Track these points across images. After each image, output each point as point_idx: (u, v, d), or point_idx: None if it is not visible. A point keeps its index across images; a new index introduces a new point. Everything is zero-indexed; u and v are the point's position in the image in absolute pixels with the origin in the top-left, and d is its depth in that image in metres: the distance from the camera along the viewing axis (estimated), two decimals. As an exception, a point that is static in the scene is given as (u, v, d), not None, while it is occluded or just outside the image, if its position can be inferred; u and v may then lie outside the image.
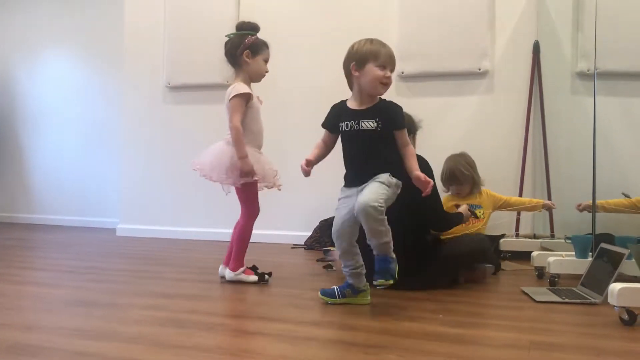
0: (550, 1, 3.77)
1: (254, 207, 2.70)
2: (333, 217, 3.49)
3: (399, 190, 2.19)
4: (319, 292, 2.30)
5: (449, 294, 2.46)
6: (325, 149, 2.35)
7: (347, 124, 2.22)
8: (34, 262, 3.37)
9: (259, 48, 2.67)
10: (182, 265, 3.11)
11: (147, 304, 2.20)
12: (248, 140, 2.60)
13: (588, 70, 3.58)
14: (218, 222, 4.23)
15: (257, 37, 2.70)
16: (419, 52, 3.95)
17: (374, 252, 2.16)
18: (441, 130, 3.86)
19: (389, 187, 2.12)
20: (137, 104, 4.75)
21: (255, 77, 2.71)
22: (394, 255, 2.16)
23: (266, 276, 2.66)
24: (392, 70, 2.22)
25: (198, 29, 4.46)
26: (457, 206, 3.09)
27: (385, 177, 2.13)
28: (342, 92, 2.30)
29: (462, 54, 3.86)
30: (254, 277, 2.65)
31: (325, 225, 3.90)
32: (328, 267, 3.15)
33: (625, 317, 1.94)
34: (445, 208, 3.24)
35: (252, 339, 1.76)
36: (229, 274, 2.67)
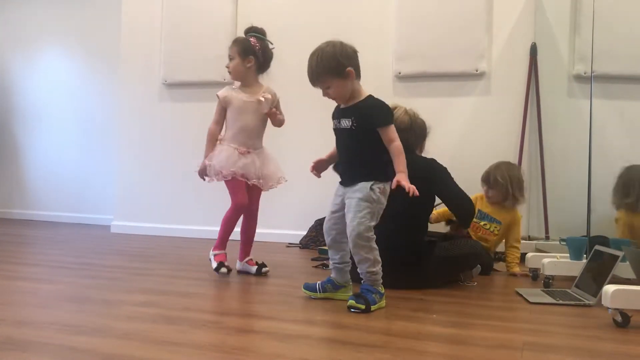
0: (547, 3, 3.78)
1: (236, 199, 2.75)
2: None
3: (386, 194, 2.19)
4: (302, 286, 2.33)
5: (443, 294, 2.46)
6: (330, 158, 2.41)
7: (334, 122, 2.28)
8: (27, 258, 3.36)
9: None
10: (176, 262, 3.10)
11: (140, 300, 2.19)
12: (227, 139, 2.77)
13: (585, 73, 3.58)
14: (212, 219, 4.20)
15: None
16: (416, 52, 3.94)
17: (362, 279, 2.19)
18: (438, 131, 3.81)
19: (370, 203, 2.13)
20: (134, 101, 4.73)
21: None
22: (380, 289, 2.16)
23: (222, 269, 2.69)
24: (320, 87, 2.24)
25: (195, 26, 4.44)
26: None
27: (365, 190, 2.14)
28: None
29: (459, 55, 3.86)
30: (215, 265, 2.71)
31: (321, 225, 3.88)
32: (323, 265, 3.14)
33: (619, 319, 1.94)
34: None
35: (245, 336, 1.75)
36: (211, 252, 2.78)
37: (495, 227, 3.16)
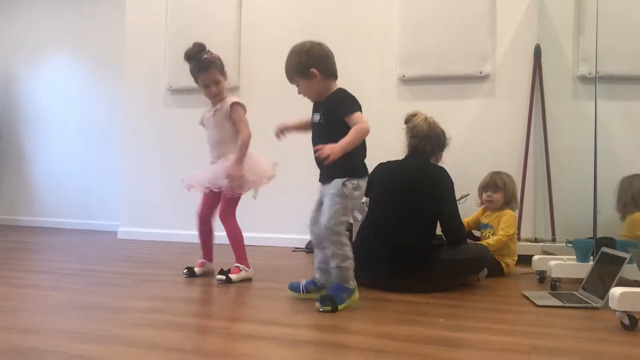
0: (551, 5, 3.77)
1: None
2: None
3: (360, 190, 2.25)
4: (288, 286, 2.42)
5: (450, 298, 2.45)
6: (297, 125, 2.48)
7: (311, 118, 2.37)
8: (34, 265, 3.37)
9: (194, 77, 2.87)
10: (182, 268, 3.10)
11: (147, 307, 2.20)
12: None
13: (589, 74, 3.58)
14: (219, 225, 4.24)
15: (193, 66, 2.85)
16: (420, 55, 3.95)
17: (332, 277, 2.24)
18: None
19: (341, 198, 2.19)
20: (139, 107, 4.75)
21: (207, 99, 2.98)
22: (350, 285, 2.20)
23: (185, 271, 2.91)
24: (297, 85, 2.31)
25: (199, 32, 4.43)
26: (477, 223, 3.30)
27: (337, 187, 2.21)
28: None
29: (463, 57, 3.86)
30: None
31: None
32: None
33: (627, 321, 1.93)
34: (471, 220, 3.35)
35: (251, 342, 1.75)
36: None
37: (489, 232, 3.22)
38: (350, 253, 2.20)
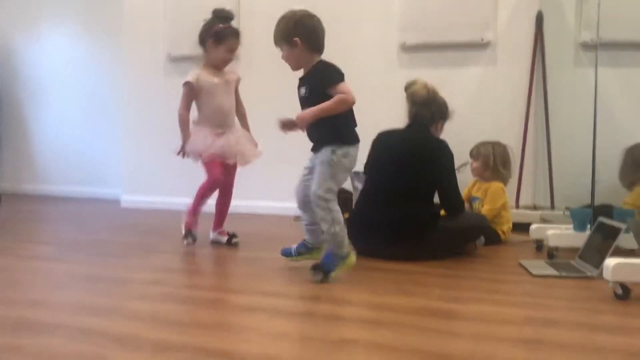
0: (554, -30, 3.71)
1: (213, 175, 2.86)
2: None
3: (350, 158, 2.25)
4: (280, 252, 2.49)
5: (446, 267, 2.49)
6: None
7: (298, 93, 2.37)
8: (39, 236, 3.42)
9: (224, 37, 2.85)
10: (180, 236, 3.15)
11: (149, 279, 2.24)
12: (202, 122, 2.90)
13: (591, 41, 3.54)
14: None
15: (227, 26, 2.86)
16: (421, 23, 3.90)
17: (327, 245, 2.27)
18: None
19: (331, 165, 2.21)
20: (138, 75, 4.73)
21: (217, 64, 2.92)
22: (344, 251, 2.22)
23: (188, 240, 2.94)
24: (281, 49, 2.32)
25: (198, 1, 4.40)
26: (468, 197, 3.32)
27: (327, 155, 2.23)
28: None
29: (464, 24, 3.82)
30: (182, 229, 2.96)
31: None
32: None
33: (620, 292, 1.96)
34: (464, 194, 3.34)
35: (252, 314, 1.79)
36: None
37: (478, 204, 3.26)
38: (340, 217, 2.21)
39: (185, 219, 2.94)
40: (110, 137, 5.32)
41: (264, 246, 2.99)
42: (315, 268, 2.20)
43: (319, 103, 2.20)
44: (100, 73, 5.45)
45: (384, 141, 2.82)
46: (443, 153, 2.71)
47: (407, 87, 2.86)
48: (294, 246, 2.48)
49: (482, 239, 2.95)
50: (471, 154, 3.33)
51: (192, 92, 2.87)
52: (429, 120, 2.81)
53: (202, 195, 2.90)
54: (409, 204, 2.62)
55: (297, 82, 2.35)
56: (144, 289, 2.07)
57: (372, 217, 2.67)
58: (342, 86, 2.20)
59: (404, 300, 1.95)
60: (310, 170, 2.34)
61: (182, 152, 2.86)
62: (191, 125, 2.90)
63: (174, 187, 4.59)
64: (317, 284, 2.15)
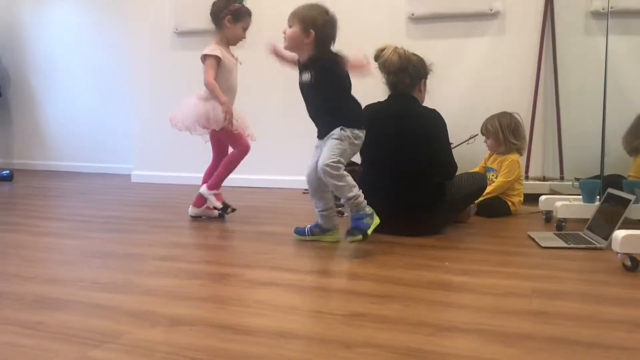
0: None
1: (244, 143, 2.94)
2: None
3: (359, 140, 2.32)
4: (293, 231, 2.54)
5: (456, 240, 2.52)
6: (287, 61, 2.52)
7: (299, 78, 2.39)
8: (51, 212, 3.47)
9: (241, 16, 2.91)
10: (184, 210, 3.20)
11: (162, 254, 2.27)
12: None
13: (603, 9, 3.49)
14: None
15: (243, 5, 2.92)
16: (429, -7, 3.86)
17: (348, 210, 2.33)
18: (452, 72, 3.81)
19: (341, 140, 2.26)
20: (145, 51, 4.72)
21: (232, 41, 2.97)
22: (367, 210, 2.27)
23: (229, 210, 2.99)
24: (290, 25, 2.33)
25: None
26: (484, 168, 3.34)
27: (337, 132, 2.28)
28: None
29: (473, -6, 3.78)
30: (219, 204, 2.96)
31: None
32: (339, 213, 3.19)
33: (628, 263, 1.98)
34: (479, 168, 3.39)
35: (263, 289, 1.83)
36: (203, 189, 2.98)
37: (493, 175, 3.26)
38: (353, 182, 2.27)
39: (213, 193, 2.96)
40: (120, 112, 5.33)
41: (274, 220, 3.02)
42: (353, 230, 2.23)
43: (326, 89, 2.27)
44: (108, 48, 5.43)
45: (374, 116, 2.67)
46: (434, 118, 2.66)
47: (377, 57, 2.69)
48: (308, 225, 2.51)
49: (475, 207, 3.01)
50: (482, 132, 3.32)
51: (216, 65, 2.87)
52: (410, 87, 2.71)
53: (232, 166, 2.97)
54: (411, 177, 2.60)
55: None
56: (157, 265, 2.11)
57: (375, 192, 2.64)
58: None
59: (413, 274, 1.97)
60: (316, 161, 2.35)
61: (226, 115, 2.81)
62: (196, 99, 2.90)
63: (184, 162, 4.62)
64: (326, 259, 2.18)
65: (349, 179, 2.26)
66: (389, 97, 2.76)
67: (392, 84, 2.74)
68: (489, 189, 3.11)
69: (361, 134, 2.32)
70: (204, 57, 2.86)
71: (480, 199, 3.01)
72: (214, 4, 2.94)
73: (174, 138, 4.63)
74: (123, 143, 5.27)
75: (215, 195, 2.97)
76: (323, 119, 2.34)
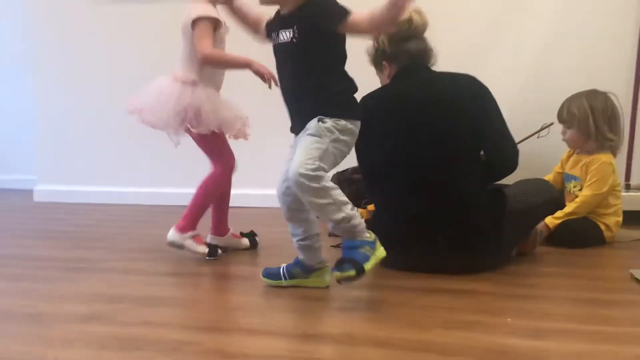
0: None
1: (226, 157, 2.99)
2: (351, 168, 3.56)
3: (348, 135, 2.28)
4: (261, 274, 2.57)
5: (520, 282, 2.52)
6: (248, 21, 2.64)
7: (272, 38, 2.39)
8: None
9: None
10: (126, 247, 3.17)
11: (83, 313, 2.26)
12: (204, 79, 2.92)
13: None
14: (170, 180, 4.38)
15: None
16: None
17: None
18: (508, 36, 3.84)
19: (320, 137, 2.22)
20: (50, 15, 4.75)
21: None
22: (365, 236, 2.24)
23: (219, 250, 3.03)
24: None
25: None
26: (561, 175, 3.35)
27: (313, 124, 2.25)
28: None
29: None
30: (203, 248, 2.96)
31: (343, 181, 3.90)
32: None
33: None
34: (553, 174, 3.41)
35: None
36: (172, 234, 2.96)
37: (575, 186, 3.25)
38: (344, 197, 2.23)
39: (190, 235, 3.00)
40: (19, 106, 5.34)
41: (251, 257, 3.02)
42: (343, 262, 2.19)
43: (311, 56, 2.26)
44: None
45: (389, 107, 2.75)
46: (482, 90, 2.69)
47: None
48: (283, 265, 2.51)
49: (543, 231, 3.03)
50: (561, 118, 3.30)
51: (213, 32, 2.85)
52: (427, 57, 2.81)
53: (209, 193, 3.03)
54: (455, 185, 2.62)
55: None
56: (75, 329, 2.09)
57: (401, 215, 2.69)
58: (352, 18, 2.21)
59: (459, 336, 1.96)
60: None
61: (265, 78, 2.73)
62: (173, 81, 2.91)
63: (106, 172, 4.63)
64: (329, 314, 2.17)
65: (336, 193, 2.21)
66: (396, 78, 2.79)
67: (419, 53, 2.77)
68: (570, 206, 3.11)
69: (351, 125, 2.29)
70: (194, 22, 2.82)
71: (557, 219, 3.01)
72: None
73: (90, 142, 4.66)
74: (23, 147, 5.27)
75: (195, 238, 2.99)
76: (301, 101, 2.33)
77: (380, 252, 2.25)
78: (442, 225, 2.58)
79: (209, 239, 3.10)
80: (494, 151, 2.69)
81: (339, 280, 2.19)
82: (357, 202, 3.22)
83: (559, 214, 3.14)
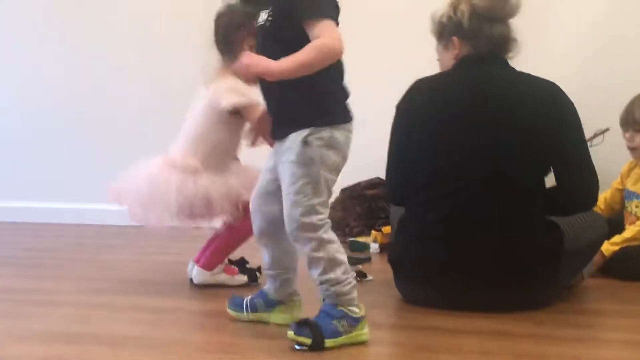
0: None
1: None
2: (364, 182, 3.59)
3: (340, 147, 2.27)
4: (227, 303, 2.62)
5: (570, 321, 2.54)
6: None
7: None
8: None
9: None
10: (86, 276, 3.18)
11: (41, 356, 2.26)
12: (209, 167, 3.00)
13: None
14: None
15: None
16: None
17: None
18: (555, 24, 3.87)
19: (305, 167, 2.21)
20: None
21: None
22: (350, 309, 2.23)
23: (257, 273, 3.09)
24: None
25: None
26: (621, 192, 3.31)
27: (296, 146, 2.22)
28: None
29: None
30: (241, 278, 3.08)
31: (354, 197, 3.91)
32: (360, 275, 3.20)
33: None
34: (610, 191, 3.42)
35: None
36: (198, 273, 3.03)
37: (637, 207, 3.25)
38: (341, 256, 2.24)
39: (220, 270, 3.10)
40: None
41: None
42: (304, 325, 2.20)
43: (285, 38, 2.22)
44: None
45: (434, 103, 2.77)
46: (562, 99, 2.70)
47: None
48: (249, 296, 2.56)
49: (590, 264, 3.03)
50: (627, 121, 3.30)
51: None
52: (509, 43, 2.78)
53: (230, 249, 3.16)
54: (513, 210, 2.64)
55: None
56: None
57: (440, 245, 2.70)
58: (326, 25, 2.16)
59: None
60: (271, 176, 2.39)
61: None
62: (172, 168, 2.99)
63: (57, 187, 4.65)
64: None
65: (333, 248, 2.22)
66: (464, 63, 2.76)
67: (498, 39, 2.74)
68: (630, 230, 3.11)
69: (340, 133, 2.27)
70: (232, 109, 2.95)
71: (615, 246, 3.03)
72: (219, 17, 3.10)
73: (43, 150, 4.68)
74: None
75: (226, 269, 3.13)
76: (279, 100, 2.34)
77: (361, 336, 2.25)
78: (488, 257, 2.59)
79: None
80: (571, 179, 2.70)
81: (291, 340, 2.20)
82: (371, 223, 3.23)
83: (616, 238, 3.15)
